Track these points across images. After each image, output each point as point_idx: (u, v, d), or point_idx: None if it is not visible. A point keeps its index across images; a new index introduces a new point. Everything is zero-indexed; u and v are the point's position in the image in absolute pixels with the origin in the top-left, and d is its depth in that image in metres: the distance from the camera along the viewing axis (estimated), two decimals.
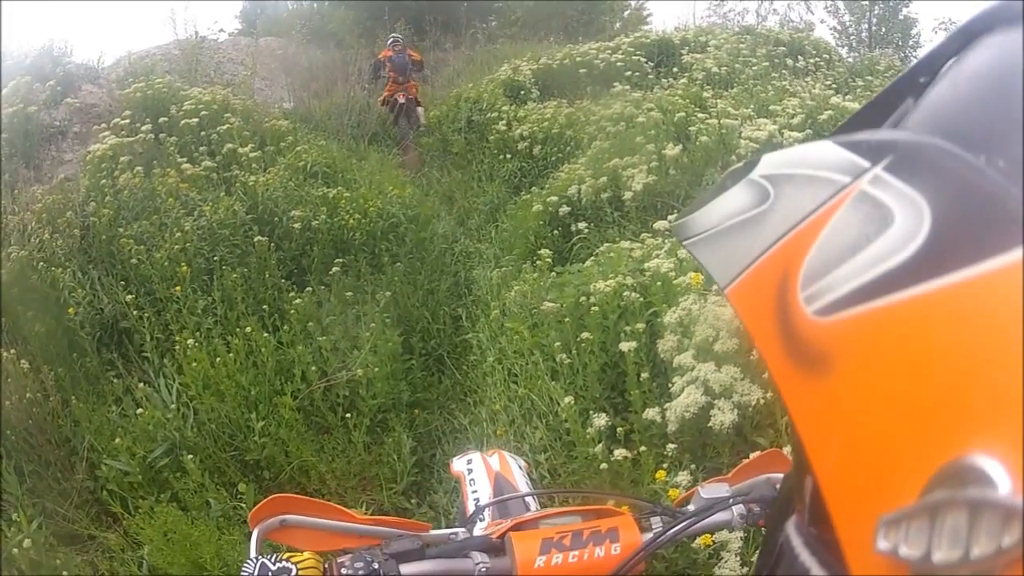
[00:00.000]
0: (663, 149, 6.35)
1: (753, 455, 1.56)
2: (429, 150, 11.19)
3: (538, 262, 5.63)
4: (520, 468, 2.41)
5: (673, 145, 6.32)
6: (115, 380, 5.13)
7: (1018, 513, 0.35)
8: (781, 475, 1.42)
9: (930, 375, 0.41)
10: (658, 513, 1.40)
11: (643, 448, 3.44)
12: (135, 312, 5.42)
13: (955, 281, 0.41)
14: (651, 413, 3.48)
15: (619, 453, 3.42)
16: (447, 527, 1.42)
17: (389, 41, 12.87)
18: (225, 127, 7.85)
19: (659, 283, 4.13)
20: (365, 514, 1.34)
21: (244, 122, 8.36)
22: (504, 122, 9.86)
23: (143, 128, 7.55)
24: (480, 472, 2.34)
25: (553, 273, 5.41)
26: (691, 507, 1.39)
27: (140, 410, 4.56)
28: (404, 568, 1.19)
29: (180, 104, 8.19)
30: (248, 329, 5.09)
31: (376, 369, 4.95)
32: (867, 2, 22.39)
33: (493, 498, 2.17)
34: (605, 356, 4.13)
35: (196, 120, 7.87)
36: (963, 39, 0.58)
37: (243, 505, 4.12)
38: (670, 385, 3.54)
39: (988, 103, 0.52)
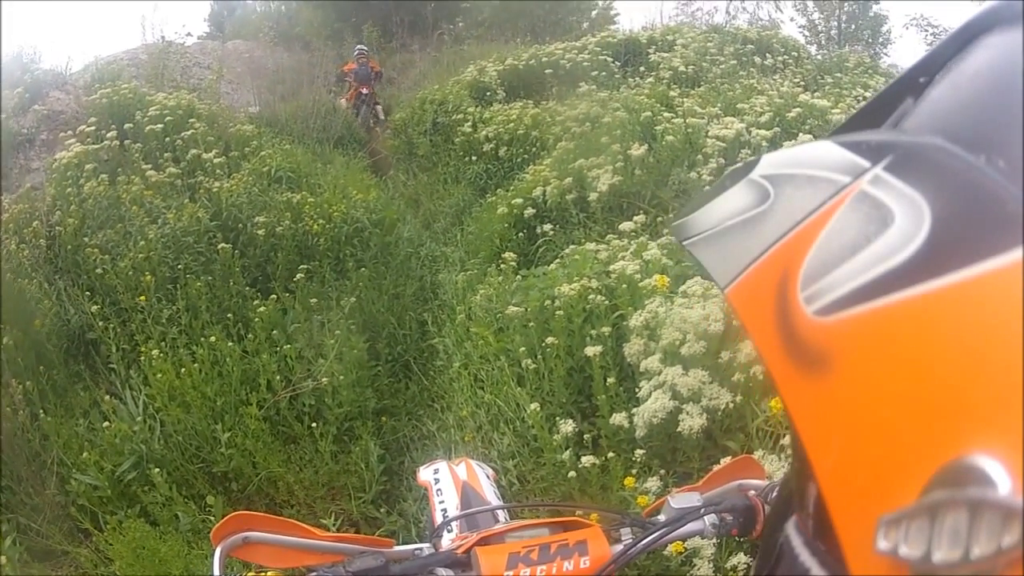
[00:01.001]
0: (629, 149, 6.34)
1: (724, 461, 1.57)
2: (395, 153, 11.14)
3: (503, 265, 5.60)
4: (487, 477, 2.40)
5: (639, 145, 6.31)
6: (82, 392, 5.11)
7: (1018, 513, 0.35)
8: (753, 482, 1.42)
9: (930, 375, 0.42)
10: (628, 524, 1.39)
11: (611, 454, 3.43)
12: (101, 323, 5.38)
13: (955, 281, 0.41)
14: (618, 418, 3.46)
15: (587, 460, 3.42)
16: (417, 537, 1.40)
17: (355, 53, 13.64)
18: (190, 133, 7.77)
19: (625, 285, 4.13)
20: (329, 530, 1.33)
21: (209, 127, 8.30)
22: (470, 124, 9.82)
23: (108, 135, 7.48)
24: (447, 482, 2.32)
25: (518, 276, 5.39)
26: (662, 517, 1.37)
27: (107, 424, 4.53)
28: None
29: (145, 110, 8.11)
30: (213, 339, 5.06)
31: (341, 377, 4.93)
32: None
33: (460, 509, 2.16)
34: (571, 360, 4.12)
35: (161, 126, 7.80)
36: (963, 39, 0.58)
37: (212, 518, 4.11)
38: (637, 390, 3.53)
39: (988, 103, 0.52)
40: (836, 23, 22.68)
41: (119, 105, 8.47)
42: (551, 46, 12.15)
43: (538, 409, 3.76)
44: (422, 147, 10.49)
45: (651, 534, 1.29)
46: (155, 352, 4.90)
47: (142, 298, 5.45)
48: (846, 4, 22.51)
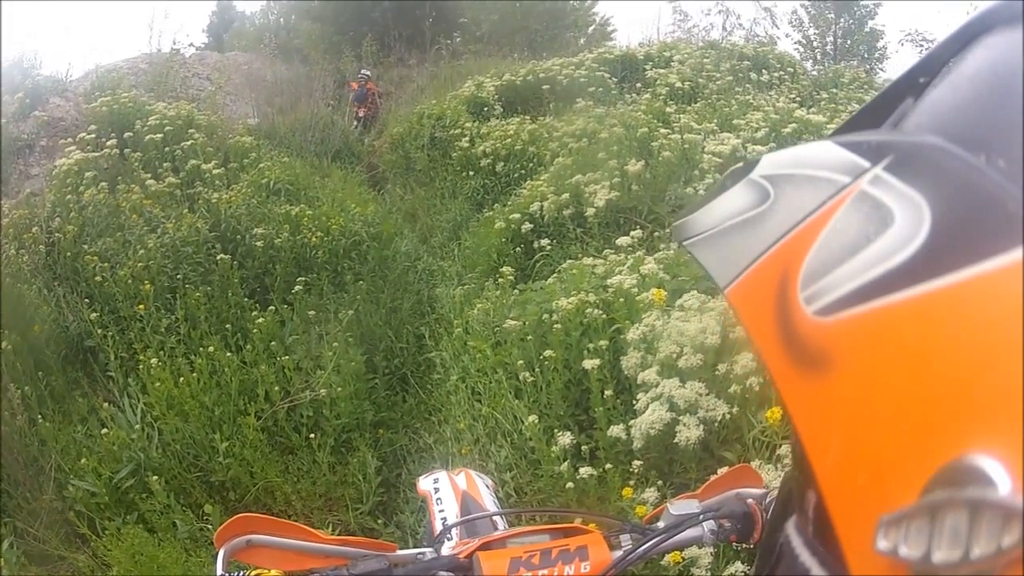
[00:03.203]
0: (626, 165, 6.37)
1: (722, 471, 1.59)
2: (392, 167, 11.16)
3: (500, 279, 5.63)
4: (487, 487, 2.40)
5: (636, 161, 6.34)
6: (80, 399, 5.12)
7: (1018, 513, 0.35)
8: (751, 490, 1.42)
9: (930, 375, 0.42)
10: (627, 531, 1.40)
11: (609, 465, 3.45)
12: (99, 331, 5.39)
13: (955, 281, 0.41)
14: (616, 430, 3.49)
15: (585, 471, 3.44)
16: (414, 547, 1.41)
17: (359, 75, 14.47)
18: (189, 143, 7.81)
19: (622, 299, 4.16)
20: (331, 534, 1.33)
21: (208, 138, 8.36)
22: (467, 139, 9.82)
23: (108, 143, 7.52)
24: (447, 491, 2.32)
25: (516, 290, 5.42)
26: (660, 524, 1.39)
27: (105, 430, 4.54)
28: None
29: (145, 119, 8.15)
30: (211, 348, 5.08)
31: (340, 389, 4.94)
32: (832, 15, 22.44)
33: (460, 517, 2.16)
34: (569, 373, 4.15)
35: (160, 136, 7.84)
36: (963, 39, 0.57)
37: (209, 526, 4.11)
38: (635, 402, 3.55)
39: (988, 103, 0.52)
40: (832, 39, 22.73)
41: (119, 114, 8.53)
42: (548, 62, 12.19)
43: (536, 421, 3.79)
44: (420, 162, 10.50)
45: (650, 540, 1.31)
46: (153, 361, 4.91)
47: (141, 307, 5.47)
48: (842, 20, 22.57)
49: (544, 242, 6.31)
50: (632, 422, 3.44)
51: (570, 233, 6.41)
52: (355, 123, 13.34)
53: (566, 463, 3.60)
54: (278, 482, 4.52)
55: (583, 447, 3.66)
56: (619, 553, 1.32)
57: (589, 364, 3.74)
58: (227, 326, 5.47)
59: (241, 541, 1.23)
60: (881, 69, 21.28)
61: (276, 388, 4.92)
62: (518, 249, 6.61)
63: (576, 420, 4.08)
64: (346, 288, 6.44)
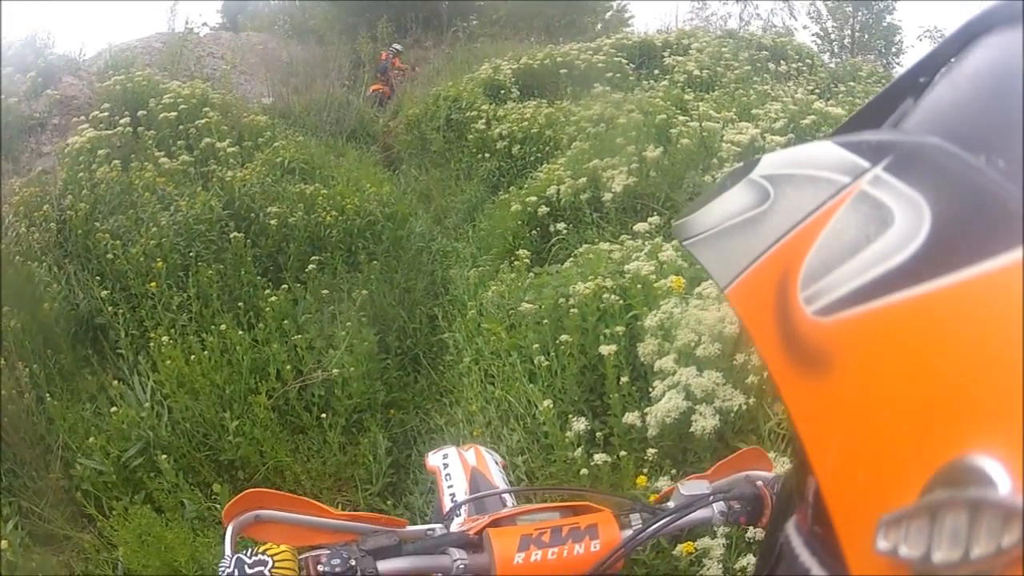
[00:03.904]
0: (644, 151, 6.31)
1: (734, 453, 1.56)
2: (407, 148, 11.10)
3: (516, 262, 5.58)
4: (496, 464, 2.41)
5: (654, 147, 6.28)
6: (90, 377, 5.07)
7: (1018, 513, 0.35)
8: (761, 472, 1.44)
9: (930, 375, 0.42)
10: (638, 510, 1.39)
11: (623, 452, 3.43)
12: (110, 308, 5.34)
13: (955, 281, 0.41)
14: (631, 417, 3.45)
15: (599, 458, 3.40)
16: (423, 525, 1.40)
17: (391, 47, 15.03)
18: (203, 121, 7.74)
19: (639, 286, 4.11)
20: (342, 510, 1.32)
21: (223, 117, 8.26)
22: (483, 121, 9.74)
23: (121, 121, 7.43)
24: (456, 467, 2.33)
25: (531, 274, 5.37)
26: (671, 504, 1.39)
27: (114, 408, 4.50)
28: (381, 565, 1.19)
29: (159, 98, 8.06)
30: (223, 327, 5.04)
31: (352, 369, 4.90)
32: (850, 8, 22.30)
33: (469, 494, 2.17)
34: (584, 359, 4.10)
35: (175, 114, 7.76)
36: (963, 39, 0.58)
37: (217, 506, 4.08)
38: (651, 389, 3.51)
39: (988, 103, 0.52)
40: (849, 32, 22.62)
41: (133, 92, 8.43)
42: (566, 46, 12.08)
43: (551, 406, 3.74)
44: (435, 143, 10.43)
45: (661, 519, 1.31)
46: (164, 339, 4.88)
47: (152, 285, 5.41)
48: (859, 14, 22.45)
49: (560, 226, 6.25)
50: (648, 409, 3.41)
51: (586, 218, 6.35)
52: (373, 100, 13.34)
53: (580, 449, 3.56)
54: (288, 462, 4.50)
55: (597, 433, 3.62)
56: (629, 532, 1.33)
57: (606, 350, 3.69)
58: (239, 304, 5.43)
59: (249, 517, 1.22)
60: (898, 63, 21.23)
61: (288, 367, 4.88)
62: (534, 232, 6.55)
63: (590, 405, 4.04)
64: (360, 268, 6.39)
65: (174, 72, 10.36)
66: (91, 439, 4.33)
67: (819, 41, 22.16)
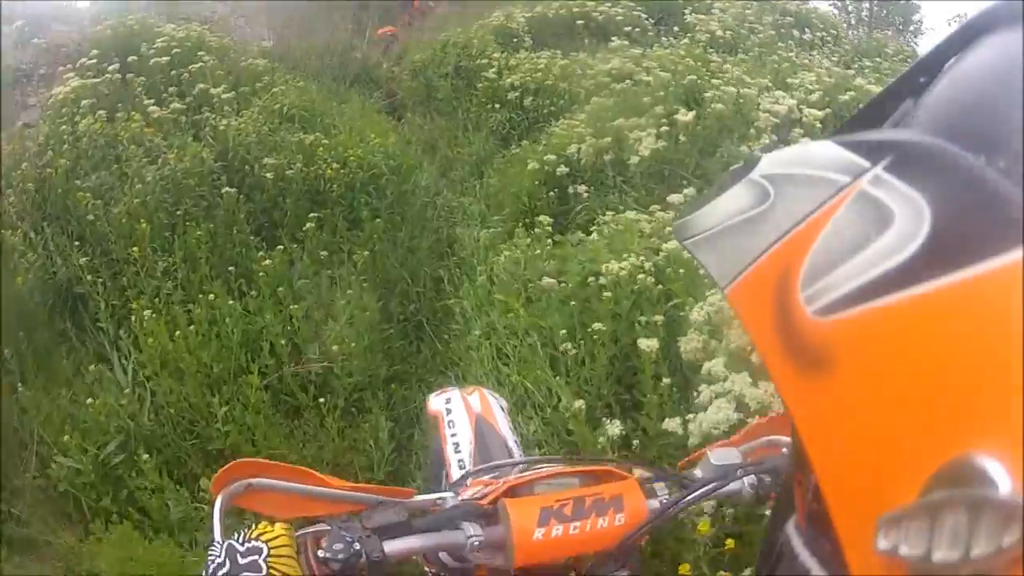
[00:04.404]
0: (674, 114, 5.83)
1: (761, 419, 1.53)
2: (412, 95, 10.63)
3: (536, 229, 5.11)
4: (502, 409, 2.33)
5: (686, 110, 5.79)
6: (67, 357, 4.64)
7: (1018, 513, 0.36)
8: (788, 439, 1.31)
9: (930, 375, 0.42)
10: (663, 479, 1.30)
11: (658, 458, 3.07)
12: (89, 276, 4.89)
13: (955, 281, 0.41)
14: (672, 424, 3.02)
15: (638, 472, 2.98)
16: (422, 480, 1.29)
17: None
18: (198, 66, 7.20)
19: (680, 269, 3.65)
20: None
21: (219, 61, 7.69)
22: (494, 70, 9.28)
23: (110, 68, 6.90)
24: (460, 413, 2.25)
25: (550, 240, 4.92)
26: (697, 472, 1.32)
27: (90, 400, 4.07)
28: (388, 545, 1.08)
29: (152, 42, 7.51)
30: (211, 296, 4.59)
31: (353, 344, 4.47)
32: None
33: (474, 444, 2.11)
34: (615, 347, 3.66)
35: (167, 59, 7.22)
36: (963, 39, 0.58)
37: (205, 507, 3.66)
38: (695, 394, 3.06)
39: (988, 103, 0.52)
40: (868, 5, 22.58)
41: (124, 37, 7.85)
42: None
43: (583, 407, 3.26)
44: (442, 90, 9.95)
45: (692, 492, 1.23)
46: (147, 312, 4.40)
47: (136, 249, 4.93)
48: None
49: (581, 188, 5.78)
50: (689, 416, 2.98)
51: (608, 181, 5.87)
52: (384, 43, 12.97)
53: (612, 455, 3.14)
54: (282, 451, 4.06)
55: (634, 440, 3.20)
56: (655, 504, 1.23)
57: (646, 344, 3.22)
58: (230, 269, 4.96)
59: (239, 486, 1.12)
60: (915, 43, 21.62)
61: (282, 342, 4.42)
62: (552, 194, 6.05)
63: (619, 400, 3.61)
64: (361, 225, 5.92)
65: (172, 15, 9.80)
66: (66, 437, 3.90)
67: (836, 12, 22.06)
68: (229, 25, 10.32)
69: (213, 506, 1.09)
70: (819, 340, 0.47)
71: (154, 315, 4.42)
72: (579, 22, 10.46)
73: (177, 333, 4.31)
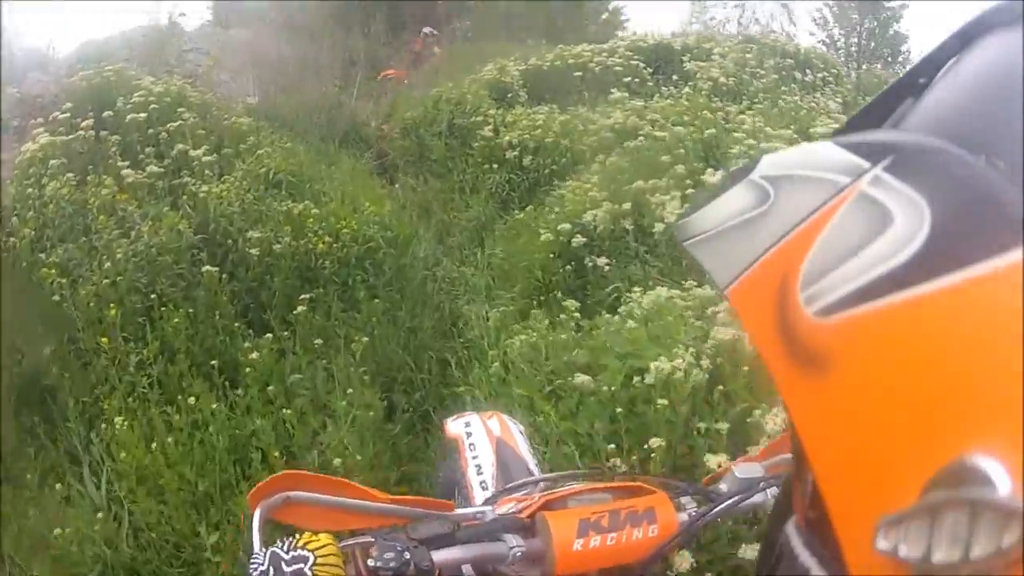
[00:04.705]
0: (698, 173, 5.33)
1: (784, 434, 1.59)
2: (404, 154, 10.22)
3: (563, 315, 4.52)
4: (521, 433, 2.31)
5: (713, 170, 5.29)
6: (35, 459, 4.07)
7: (1018, 513, 0.36)
8: None
9: (930, 375, 0.42)
10: (690, 493, 1.34)
11: None
12: (55, 368, 4.35)
13: (955, 282, 0.41)
14: (750, 551, 2.50)
15: None
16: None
17: (424, 31, 15.08)
18: (177, 124, 6.71)
19: (744, 367, 3.10)
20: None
21: (200, 119, 7.22)
22: (490, 127, 8.87)
23: (83, 124, 6.42)
24: (480, 436, 2.22)
25: (573, 324, 4.37)
26: (723, 486, 1.35)
27: (58, 531, 3.48)
28: (436, 555, 1.09)
29: (129, 96, 7.04)
30: (191, 399, 4.02)
31: (358, 457, 3.89)
32: (856, 16, 22.44)
33: (496, 466, 2.08)
34: (671, 456, 3.09)
35: (144, 115, 6.74)
36: (963, 39, 0.59)
37: None
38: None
39: (988, 103, 0.52)
40: (856, 40, 22.67)
41: (100, 89, 7.42)
42: (577, 47, 11.30)
43: None
44: (436, 150, 9.53)
45: (720, 504, 1.26)
46: (118, 419, 3.82)
47: (105, 340, 4.38)
48: (866, 22, 22.82)
49: (601, 260, 5.23)
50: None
51: (630, 251, 5.35)
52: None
53: None
54: None
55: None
56: (685, 517, 1.26)
57: (716, 462, 2.63)
58: (212, 363, 4.39)
59: (278, 499, 1.09)
60: None
61: (276, 453, 3.84)
62: (568, 267, 5.51)
63: None
64: (358, 306, 5.38)
65: (154, 68, 9.42)
66: (36, 573, 3.37)
67: (824, 48, 22.03)
68: (213, 80, 9.94)
69: (252, 518, 1.07)
70: (819, 341, 0.47)
71: (127, 423, 3.85)
72: (576, 74, 10.19)
73: (154, 445, 3.75)
